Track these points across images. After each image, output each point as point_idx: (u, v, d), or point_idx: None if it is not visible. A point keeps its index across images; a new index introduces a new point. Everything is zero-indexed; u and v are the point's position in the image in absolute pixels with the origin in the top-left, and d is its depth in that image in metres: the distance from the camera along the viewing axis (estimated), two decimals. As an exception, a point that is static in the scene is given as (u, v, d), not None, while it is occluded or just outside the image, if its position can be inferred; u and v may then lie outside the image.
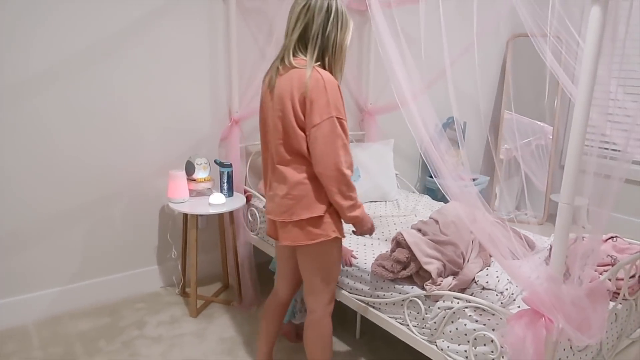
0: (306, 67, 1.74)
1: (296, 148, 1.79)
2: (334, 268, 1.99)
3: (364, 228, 1.95)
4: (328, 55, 1.80)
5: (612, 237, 2.18)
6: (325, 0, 1.76)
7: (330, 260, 1.95)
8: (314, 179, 1.80)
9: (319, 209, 1.81)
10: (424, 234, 2.14)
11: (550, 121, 4.26)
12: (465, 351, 1.80)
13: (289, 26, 1.80)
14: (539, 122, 4.29)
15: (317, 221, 1.82)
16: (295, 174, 1.81)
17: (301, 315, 2.58)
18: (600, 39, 1.33)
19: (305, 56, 1.78)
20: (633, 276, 1.98)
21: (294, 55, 1.78)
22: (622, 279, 1.92)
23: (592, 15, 1.33)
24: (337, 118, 1.73)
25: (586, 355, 1.83)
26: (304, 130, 1.77)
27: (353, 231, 2.01)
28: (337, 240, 1.92)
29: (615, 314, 1.94)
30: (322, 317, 2.00)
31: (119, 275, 2.99)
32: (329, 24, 1.76)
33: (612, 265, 1.95)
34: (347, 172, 1.78)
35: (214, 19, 2.97)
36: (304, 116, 1.75)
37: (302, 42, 1.78)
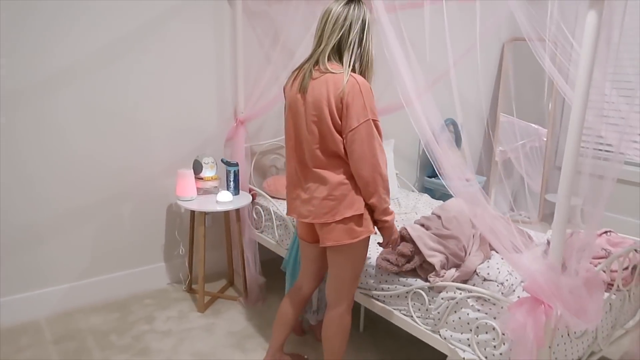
0: (341, 72, 1.80)
1: (333, 150, 1.85)
2: (362, 264, 2.07)
3: (391, 237, 2.02)
4: (362, 63, 1.87)
5: (606, 232, 2.26)
6: (361, 11, 1.83)
7: (362, 256, 2.03)
8: (352, 177, 1.87)
9: (361, 206, 1.88)
10: (427, 229, 2.22)
11: (546, 123, 4.35)
12: (468, 339, 1.88)
13: (325, 32, 1.84)
14: (533, 125, 4.39)
15: (359, 219, 1.89)
16: (335, 175, 1.87)
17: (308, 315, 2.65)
18: (596, 42, 1.39)
19: (338, 62, 1.84)
20: (626, 268, 2.07)
21: (327, 61, 1.84)
22: (616, 271, 2.01)
23: (588, 19, 1.38)
24: (373, 120, 1.81)
25: (582, 342, 1.91)
26: (340, 134, 1.83)
27: (379, 243, 2.09)
28: (368, 237, 1.99)
29: (610, 304, 2.03)
30: (345, 312, 2.06)
31: (127, 272, 3.06)
32: (364, 34, 1.84)
33: (606, 258, 2.03)
34: (385, 173, 1.85)
35: (221, 21, 3.05)
36: (341, 119, 1.81)
37: (336, 49, 1.84)
